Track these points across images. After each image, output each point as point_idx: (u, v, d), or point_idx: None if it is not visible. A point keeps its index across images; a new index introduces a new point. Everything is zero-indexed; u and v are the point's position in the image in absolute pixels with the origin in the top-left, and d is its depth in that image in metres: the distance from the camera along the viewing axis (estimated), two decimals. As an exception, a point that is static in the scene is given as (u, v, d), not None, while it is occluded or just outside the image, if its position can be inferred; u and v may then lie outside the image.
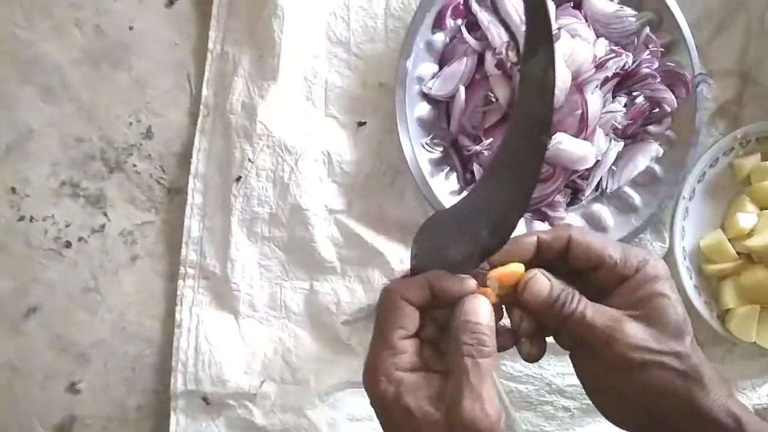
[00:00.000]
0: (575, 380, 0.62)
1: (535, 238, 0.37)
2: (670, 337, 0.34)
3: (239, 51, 0.60)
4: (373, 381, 0.34)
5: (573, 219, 0.63)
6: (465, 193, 0.61)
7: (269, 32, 0.59)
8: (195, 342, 0.58)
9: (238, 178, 0.59)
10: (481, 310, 0.35)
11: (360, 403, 0.58)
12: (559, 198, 0.62)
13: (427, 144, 0.60)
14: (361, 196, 0.61)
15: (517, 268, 0.37)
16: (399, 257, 0.59)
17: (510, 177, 0.35)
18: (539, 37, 0.29)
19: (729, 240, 0.65)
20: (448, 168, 0.61)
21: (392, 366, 0.34)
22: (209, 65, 0.61)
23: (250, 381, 0.58)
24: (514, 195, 0.35)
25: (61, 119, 0.59)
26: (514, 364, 0.62)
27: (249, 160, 0.58)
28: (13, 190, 0.57)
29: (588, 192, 0.63)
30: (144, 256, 0.59)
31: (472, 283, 0.36)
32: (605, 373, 0.35)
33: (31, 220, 0.58)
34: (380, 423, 0.35)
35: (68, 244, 0.58)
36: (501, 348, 0.37)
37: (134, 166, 0.60)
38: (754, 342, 0.63)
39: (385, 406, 0.33)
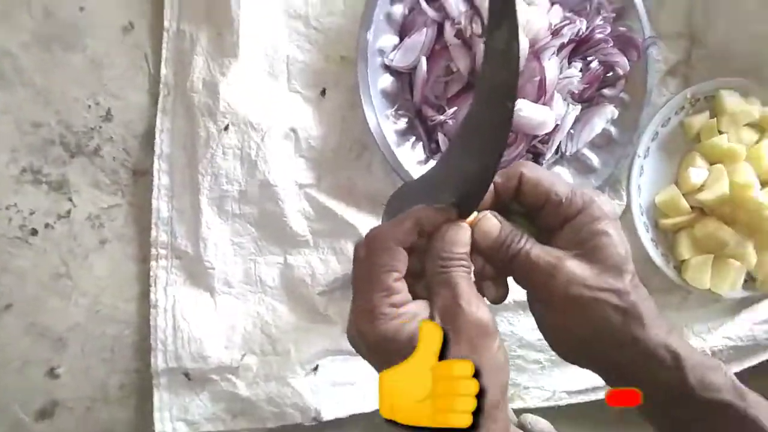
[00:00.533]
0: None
1: (491, 185, 0.38)
2: (609, 274, 0.35)
3: (196, 29, 0.60)
4: (368, 325, 0.34)
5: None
6: (431, 162, 0.62)
7: (226, 9, 0.58)
8: (173, 321, 0.59)
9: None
10: (462, 237, 0.36)
11: (340, 368, 0.60)
12: (521, 163, 0.64)
13: (391, 115, 0.61)
14: (329, 170, 0.62)
15: (472, 216, 0.38)
16: (370, 228, 0.61)
17: (477, 146, 0.35)
18: (503, 10, 0.30)
19: (682, 195, 0.68)
20: (414, 138, 0.62)
21: (389, 305, 0.34)
22: (166, 44, 0.60)
23: (232, 355, 0.59)
24: (482, 163, 0.35)
25: (15, 105, 0.57)
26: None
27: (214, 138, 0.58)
28: (-27, 179, 0.56)
29: (548, 156, 0.65)
30: (113, 239, 0.59)
31: (454, 213, 0.37)
32: (549, 310, 0.36)
33: (-6, 210, 0.57)
34: (379, 364, 0.35)
35: (34, 232, 0.57)
36: None
37: (96, 149, 0.59)
38: (709, 289, 0.67)
39: (387, 343, 0.33)
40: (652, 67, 0.65)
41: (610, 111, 0.66)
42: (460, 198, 0.39)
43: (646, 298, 0.36)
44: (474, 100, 0.36)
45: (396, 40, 0.61)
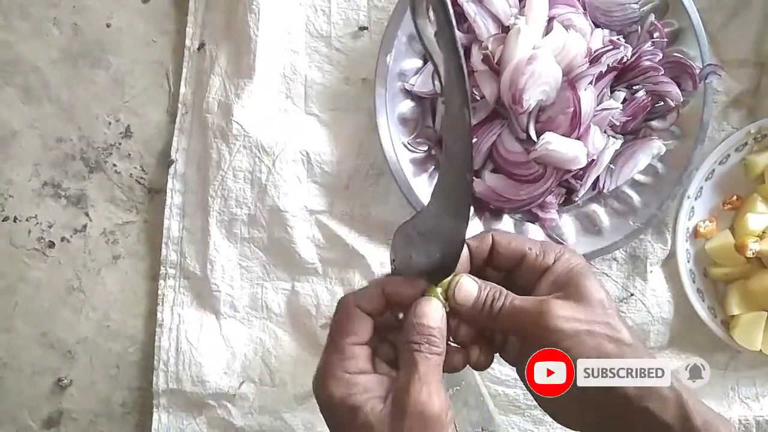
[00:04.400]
0: (565, 386, 0.60)
1: (465, 245, 0.38)
2: (596, 310, 0.35)
3: (216, 48, 0.59)
4: (321, 383, 0.34)
5: (566, 220, 0.60)
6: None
7: (245, 28, 0.57)
8: (176, 342, 0.58)
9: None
10: (432, 313, 0.35)
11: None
12: (550, 199, 0.59)
13: (409, 143, 0.58)
14: (342, 197, 0.60)
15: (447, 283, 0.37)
16: (380, 260, 0.58)
17: (449, 206, 0.35)
18: (453, 78, 0.28)
19: (737, 242, 0.60)
20: (432, 168, 0.59)
21: (341, 369, 0.34)
22: (187, 62, 0.59)
23: (230, 381, 0.58)
24: (452, 226, 0.35)
25: (41, 120, 0.59)
26: (502, 368, 0.61)
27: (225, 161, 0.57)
28: (-3, 191, 0.58)
29: (582, 192, 0.60)
30: (126, 255, 0.60)
31: (423, 285, 0.37)
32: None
33: (15, 221, 0.58)
34: (328, 425, 0.35)
35: (51, 244, 0.59)
36: (453, 368, 0.38)
37: (114, 165, 0.59)
38: (760, 350, 0.60)
39: (333, 406, 0.34)
40: (710, 99, 0.58)
41: (657, 146, 0.59)
42: (443, 255, 0.38)
43: (635, 333, 0.36)
44: (442, 161, 0.34)
45: (419, 63, 0.58)
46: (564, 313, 0.34)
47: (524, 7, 0.55)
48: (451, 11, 0.27)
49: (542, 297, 0.36)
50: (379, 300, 0.36)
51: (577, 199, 0.60)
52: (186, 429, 0.58)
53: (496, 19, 0.56)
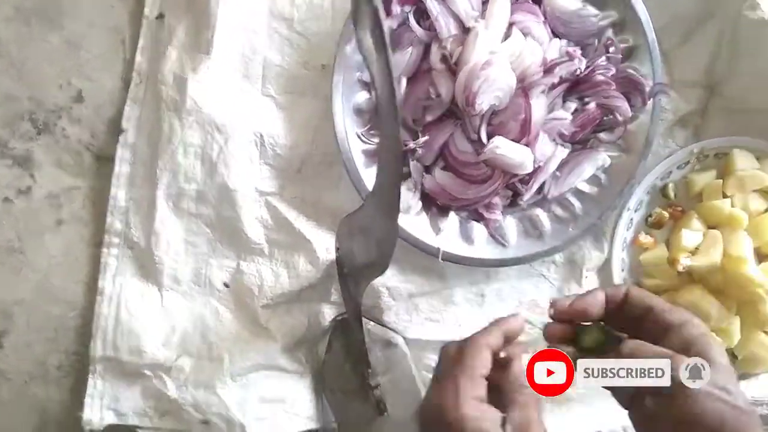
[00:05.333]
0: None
1: (603, 293, 0.43)
2: (719, 375, 0.38)
3: (176, 20, 0.58)
4: (455, 404, 0.39)
5: (509, 222, 0.62)
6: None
7: (206, 3, 0.56)
8: (116, 310, 0.59)
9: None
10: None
11: (272, 385, 0.59)
12: (496, 200, 0.61)
13: (362, 134, 0.58)
14: (294, 181, 0.60)
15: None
16: (326, 246, 0.59)
17: (383, 208, 0.36)
18: (386, 99, 0.29)
19: (670, 256, 0.63)
20: (384, 160, 0.59)
21: (475, 395, 0.40)
22: (144, 31, 0.58)
23: (167, 353, 0.59)
24: (385, 227, 0.37)
25: (-11, 75, 0.58)
26: (436, 356, 0.63)
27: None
28: (-61, 145, 0.57)
29: (527, 196, 0.61)
30: (70, 220, 0.59)
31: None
32: (664, 401, 0.39)
33: (-44, 177, 0.57)
34: None
35: (-7, 204, 0.58)
36: None
37: (63, 129, 0.59)
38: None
39: (463, 427, 0.38)
40: (657, 116, 0.60)
41: (603, 158, 0.61)
42: (378, 253, 0.39)
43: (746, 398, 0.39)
44: (377, 166, 0.35)
45: (379, 55, 0.58)
46: None
47: (486, 10, 0.56)
48: (388, 38, 0.27)
49: (671, 352, 0.39)
50: (501, 340, 0.43)
51: (521, 202, 0.62)
52: (120, 396, 0.58)
53: (457, 19, 0.56)
